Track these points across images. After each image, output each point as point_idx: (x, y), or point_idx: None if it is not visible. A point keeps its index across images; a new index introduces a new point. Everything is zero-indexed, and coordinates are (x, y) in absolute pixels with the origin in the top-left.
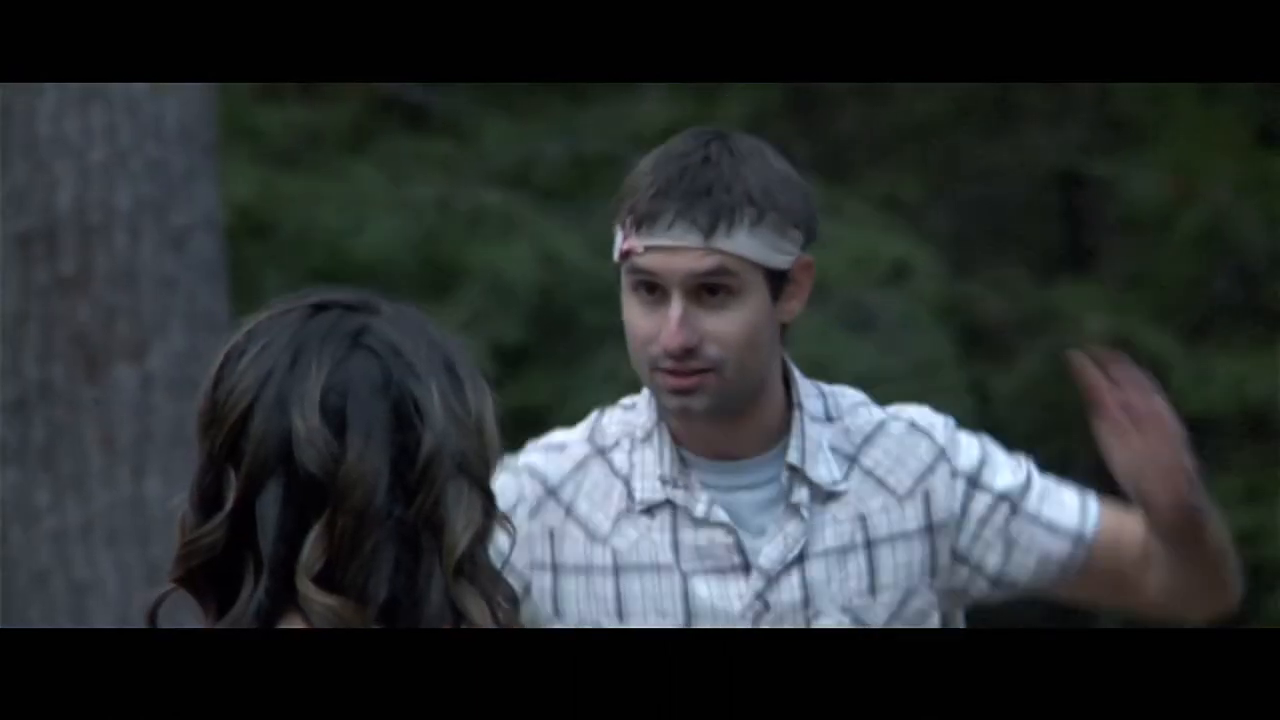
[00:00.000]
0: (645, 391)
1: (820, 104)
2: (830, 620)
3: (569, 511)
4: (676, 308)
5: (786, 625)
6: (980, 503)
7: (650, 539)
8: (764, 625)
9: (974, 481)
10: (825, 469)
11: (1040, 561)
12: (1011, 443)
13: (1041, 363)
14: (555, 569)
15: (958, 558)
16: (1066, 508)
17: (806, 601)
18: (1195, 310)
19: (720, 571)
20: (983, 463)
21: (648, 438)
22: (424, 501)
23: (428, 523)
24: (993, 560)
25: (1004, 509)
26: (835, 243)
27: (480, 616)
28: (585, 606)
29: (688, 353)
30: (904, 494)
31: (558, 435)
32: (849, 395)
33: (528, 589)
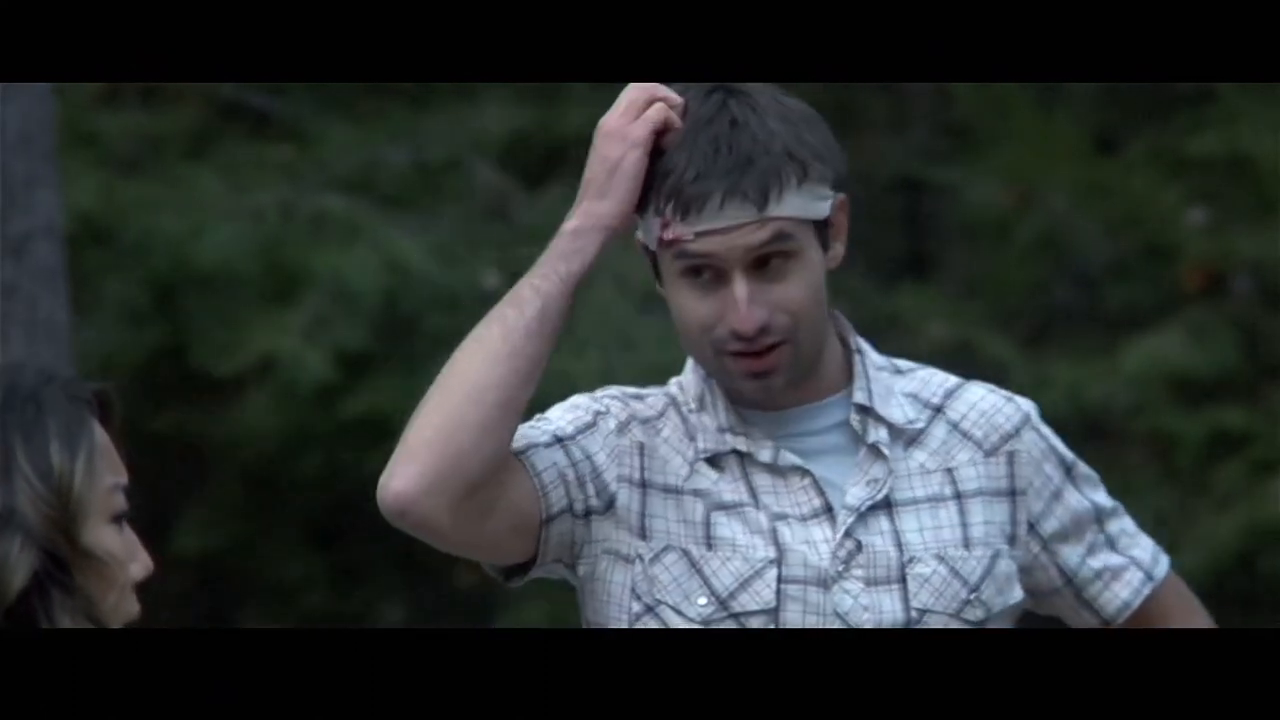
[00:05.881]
0: (688, 369)
1: None
2: (926, 569)
3: (641, 448)
4: (741, 288)
5: (879, 571)
6: (1073, 498)
7: (738, 489)
8: (856, 568)
9: (1070, 473)
10: (899, 411)
11: (1110, 583)
12: None
13: None
14: (645, 486)
15: (1036, 535)
16: (1142, 546)
17: (901, 547)
18: (1034, 316)
19: (802, 518)
20: (1076, 463)
21: (701, 405)
22: None
23: None
24: (1071, 557)
25: (1092, 518)
26: None
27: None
28: (675, 528)
29: (762, 330)
30: (989, 450)
31: (629, 388)
32: (908, 361)
33: (612, 502)
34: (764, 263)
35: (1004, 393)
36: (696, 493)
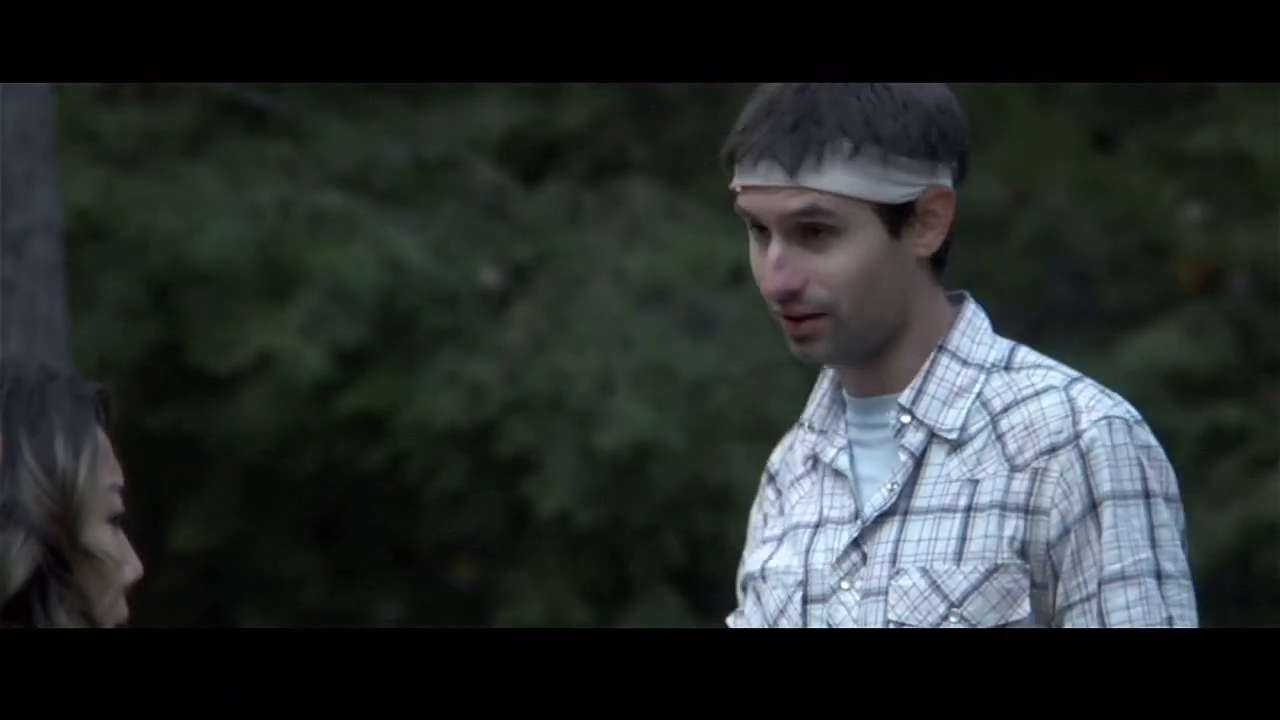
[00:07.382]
0: None
1: (659, 107)
2: (908, 581)
3: (779, 492)
4: (775, 250)
5: (874, 583)
6: (1081, 541)
7: (812, 495)
8: (858, 580)
9: (1094, 511)
10: (953, 415)
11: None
12: None
13: None
14: (752, 550)
15: (1050, 559)
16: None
17: (894, 558)
18: (1031, 313)
19: (839, 522)
20: (1115, 507)
21: (821, 389)
22: None
23: None
24: (1058, 598)
25: (1093, 579)
26: (675, 246)
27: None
28: (751, 570)
29: (792, 295)
30: (1019, 465)
31: (801, 422)
32: (1037, 356)
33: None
34: (809, 231)
35: (1084, 404)
36: (782, 523)
